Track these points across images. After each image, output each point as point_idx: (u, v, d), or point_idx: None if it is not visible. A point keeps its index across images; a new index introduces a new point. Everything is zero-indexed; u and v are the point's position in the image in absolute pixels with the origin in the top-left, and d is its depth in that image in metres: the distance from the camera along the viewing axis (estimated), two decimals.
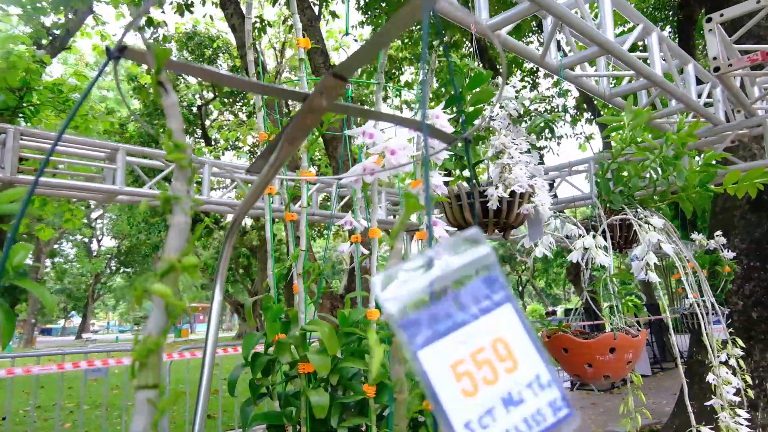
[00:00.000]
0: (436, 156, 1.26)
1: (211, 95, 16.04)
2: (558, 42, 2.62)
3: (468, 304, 0.35)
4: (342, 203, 4.88)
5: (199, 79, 6.50)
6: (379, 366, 0.50)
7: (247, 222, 20.00)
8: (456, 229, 1.38)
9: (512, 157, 1.42)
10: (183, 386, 5.57)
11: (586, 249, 1.73)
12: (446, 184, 1.29)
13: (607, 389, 7.62)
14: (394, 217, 4.39)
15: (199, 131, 15.87)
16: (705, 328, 1.96)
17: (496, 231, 1.49)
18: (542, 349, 0.34)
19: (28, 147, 2.87)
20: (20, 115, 9.40)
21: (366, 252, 1.42)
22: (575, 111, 13.61)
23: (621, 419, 1.84)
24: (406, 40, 10.06)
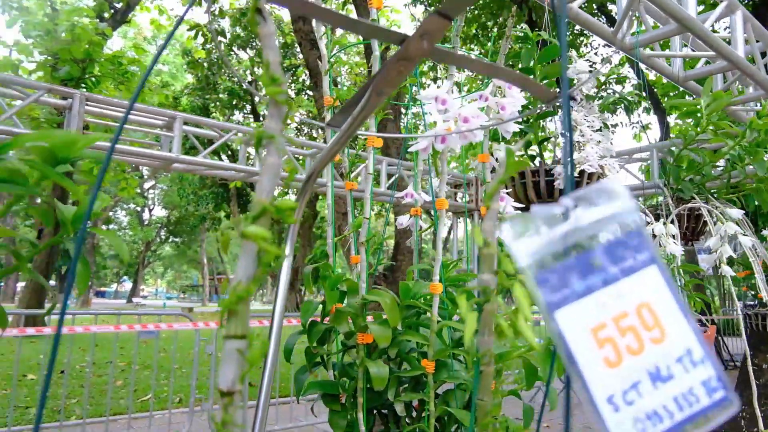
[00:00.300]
0: (505, 129, 1.20)
1: (261, 71, 16.24)
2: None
3: (609, 262, 0.30)
4: (390, 182, 4.85)
5: (293, 15, 6.46)
6: (471, 334, 0.46)
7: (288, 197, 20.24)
8: (522, 207, 1.32)
9: (583, 135, 1.35)
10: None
11: (653, 236, 1.63)
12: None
13: None
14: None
15: (248, 107, 16.13)
16: None
17: None
18: (693, 321, 0.30)
19: (91, 113, 2.97)
20: (83, 85, 9.78)
21: (424, 226, 1.38)
22: (634, 98, 13.00)
23: None
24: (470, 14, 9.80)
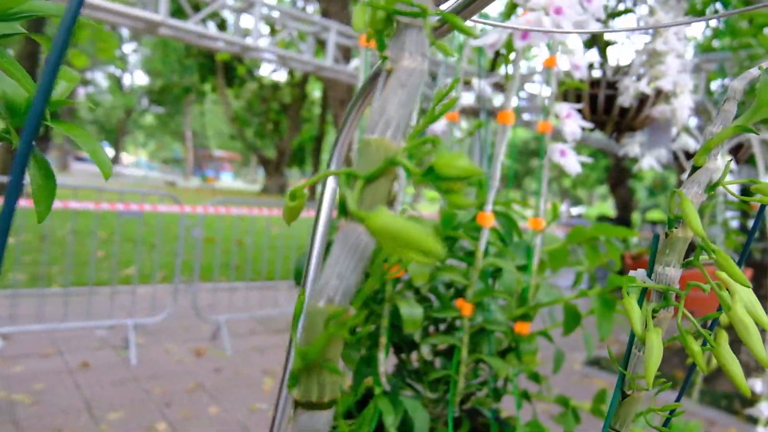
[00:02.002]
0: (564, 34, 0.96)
1: None
2: None
3: None
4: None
5: None
6: (656, 358, 0.30)
7: (281, 77, 19.42)
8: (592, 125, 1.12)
9: (666, 43, 1.11)
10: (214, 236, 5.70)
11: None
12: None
13: None
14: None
15: None
16: None
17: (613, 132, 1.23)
18: None
19: None
20: None
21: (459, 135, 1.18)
22: None
23: None
24: None
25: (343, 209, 0.19)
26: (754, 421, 1.52)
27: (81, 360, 3.07)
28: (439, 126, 1.12)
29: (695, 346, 0.31)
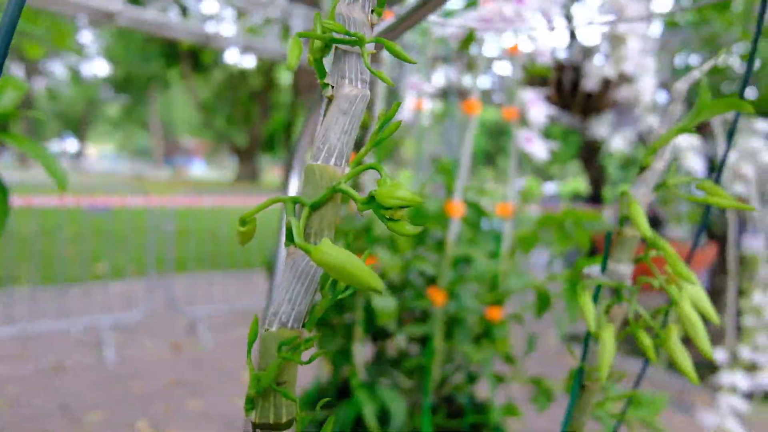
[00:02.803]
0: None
1: None
2: None
3: None
4: None
5: None
6: (609, 355, 0.31)
7: (250, 63, 19.06)
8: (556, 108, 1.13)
9: (629, 26, 1.12)
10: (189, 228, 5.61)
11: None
12: None
13: None
14: None
15: None
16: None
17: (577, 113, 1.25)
18: None
19: None
20: None
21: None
22: None
23: None
24: None
25: (290, 236, 0.19)
26: (717, 388, 1.59)
27: (55, 361, 3.01)
28: (406, 114, 1.12)
29: (646, 339, 0.33)
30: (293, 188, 0.64)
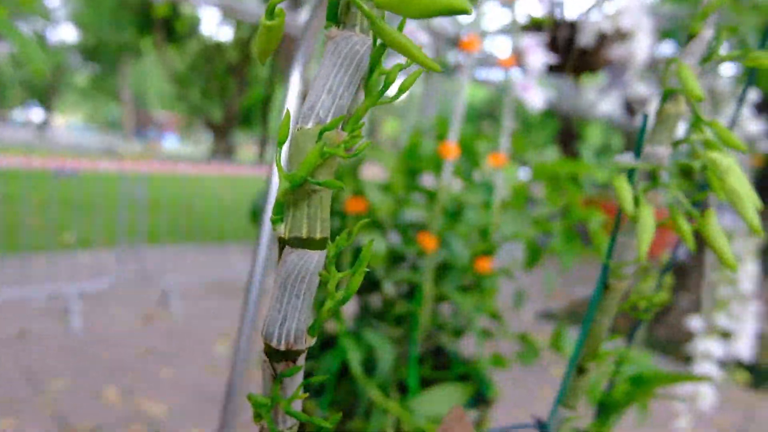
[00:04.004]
0: None
1: None
2: None
3: None
4: None
5: None
6: (647, 243, 0.28)
7: (226, 35, 18.60)
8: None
9: None
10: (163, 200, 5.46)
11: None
12: None
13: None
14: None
15: None
16: None
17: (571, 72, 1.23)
18: None
19: None
20: None
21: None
22: None
23: None
24: None
25: (333, 15, 0.16)
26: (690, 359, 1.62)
27: (19, 329, 2.91)
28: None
29: (685, 225, 0.30)
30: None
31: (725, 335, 1.66)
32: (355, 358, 0.77)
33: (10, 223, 4.59)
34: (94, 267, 3.55)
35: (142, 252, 3.53)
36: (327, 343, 0.92)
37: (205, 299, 3.78)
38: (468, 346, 1.11)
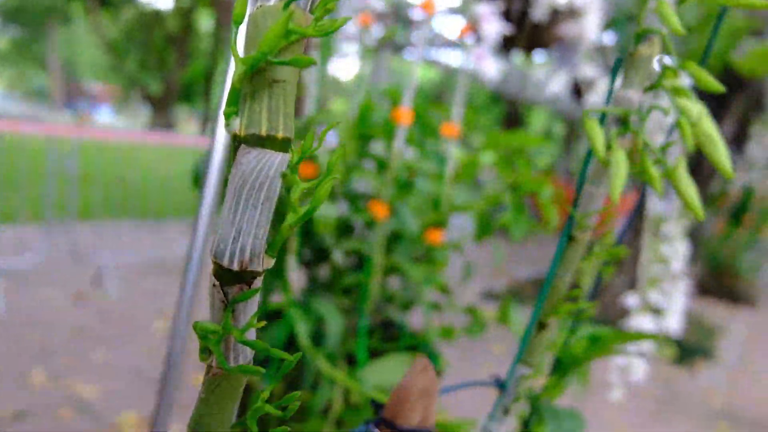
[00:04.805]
0: None
1: None
2: None
3: None
4: None
5: None
6: (620, 186, 0.27)
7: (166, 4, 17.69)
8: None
9: None
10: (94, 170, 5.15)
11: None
12: None
13: None
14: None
15: None
16: None
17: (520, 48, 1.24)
18: None
19: None
20: None
21: None
22: None
23: None
24: None
25: None
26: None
27: None
28: (350, 31, 1.04)
29: (654, 171, 0.30)
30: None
31: (657, 312, 1.76)
32: (302, 329, 0.75)
33: None
34: (18, 243, 3.31)
35: (72, 228, 3.32)
36: (273, 315, 0.89)
37: (142, 278, 3.62)
38: (416, 319, 1.11)
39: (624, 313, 1.91)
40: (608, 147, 0.29)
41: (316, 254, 0.88)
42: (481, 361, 2.67)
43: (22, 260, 3.14)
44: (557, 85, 1.48)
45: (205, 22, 18.66)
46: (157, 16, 17.31)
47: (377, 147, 0.92)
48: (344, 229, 0.86)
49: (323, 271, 0.97)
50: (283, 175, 0.14)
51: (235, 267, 0.13)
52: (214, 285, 0.14)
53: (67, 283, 3.30)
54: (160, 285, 3.53)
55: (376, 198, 0.83)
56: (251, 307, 0.14)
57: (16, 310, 2.78)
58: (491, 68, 0.89)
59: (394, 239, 0.87)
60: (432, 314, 0.99)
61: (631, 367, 1.69)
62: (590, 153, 0.32)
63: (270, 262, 0.14)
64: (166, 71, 17.60)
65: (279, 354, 0.14)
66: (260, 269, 0.14)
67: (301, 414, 0.81)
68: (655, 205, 2.25)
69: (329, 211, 0.75)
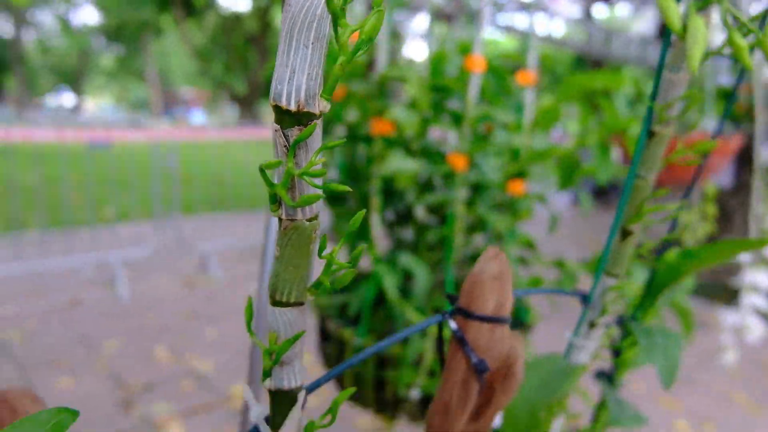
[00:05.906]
0: None
1: None
2: None
3: None
4: None
5: None
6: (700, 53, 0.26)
7: (244, 6, 18.44)
8: None
9: None
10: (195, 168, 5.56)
11: None
12: None
13: None
14: None
15: None
16: None
17: None
18: None
19: None
20: None
21: None
22: None
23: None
24: None
25: None
26: (734, 297, 1.56)
27: (70, 298, 3.04)
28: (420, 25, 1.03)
29: (741, 41, 0.27)
30: None
31: None
32: (390, 284, 0.77)
33: (52, 203, 4.76)
34: (134, 238, 3.66)
35: (178, 222, 3.61)
36: (361, 276, 0.92)
37: (242, 263, 3.86)
38: None
39: (735, 269, 1.75)
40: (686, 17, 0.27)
41: (399, 215, 0.89)
42: (574, 315, 2.57)
43: (138, 251, 3.47)
44: (643, 24, 1.36)
45: (280, 19, 19.18)
46: (237, 19, 18.13)
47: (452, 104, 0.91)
48: (425, 185, 0.86)
49: (407, 233, 0.99)
50: (332, 11, 0.14)
51: (293, 107, 0.14)
52: (276, 130, 0.15)
53: (177, 270, 3.61)
54: (256, 268, 3.75)
55: (455, 151, 0.82)
56: (312, 147, 0.15)
57: (138, 296, 3.09)
58: (565, 9, 0.84)
59: (475, 191, 0.86)
60: (518, 268, 0.97)
61: (746, 326, 1.55)
62: (667, 36, 0.30)
63: (326, 106, 0.15)
64: (249, 70, 18.43)
65: (336, 187, 0.15)
66: (317, 111, 0.15)
67: (394, 366, 0.83)
68: (764, 152, 2.03)
69: (408, 165, 0.75)
